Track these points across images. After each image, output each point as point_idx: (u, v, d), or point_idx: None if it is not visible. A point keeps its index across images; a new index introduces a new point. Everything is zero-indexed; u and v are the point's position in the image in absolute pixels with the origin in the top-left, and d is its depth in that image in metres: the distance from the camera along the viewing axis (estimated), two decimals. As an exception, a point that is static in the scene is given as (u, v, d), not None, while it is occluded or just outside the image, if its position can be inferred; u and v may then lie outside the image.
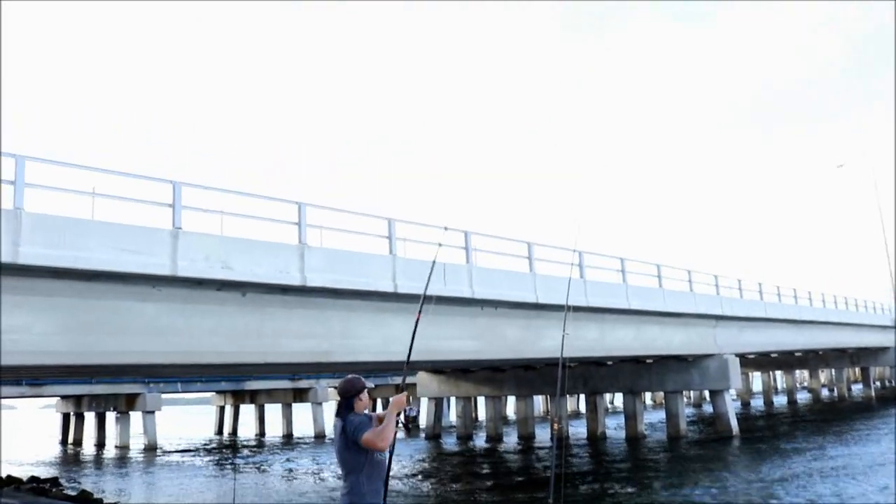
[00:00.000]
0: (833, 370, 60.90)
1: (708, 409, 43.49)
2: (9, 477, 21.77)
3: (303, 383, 45.23)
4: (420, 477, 22.02)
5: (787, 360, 54.45)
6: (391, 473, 5.10)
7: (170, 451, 37.20)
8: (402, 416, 5.06)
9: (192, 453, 35.84)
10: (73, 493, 17.79)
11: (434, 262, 7.06)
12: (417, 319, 5.80)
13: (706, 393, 47.79)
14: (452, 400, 38.71)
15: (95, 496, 17.74)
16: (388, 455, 5.02)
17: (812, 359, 53.95)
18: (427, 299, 6.04)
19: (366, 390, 5.10)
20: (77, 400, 44.58)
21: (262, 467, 27.55)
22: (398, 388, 5.15)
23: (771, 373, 60.20)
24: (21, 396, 40.07)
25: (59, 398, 46.15)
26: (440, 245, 7.84)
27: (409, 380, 44.49)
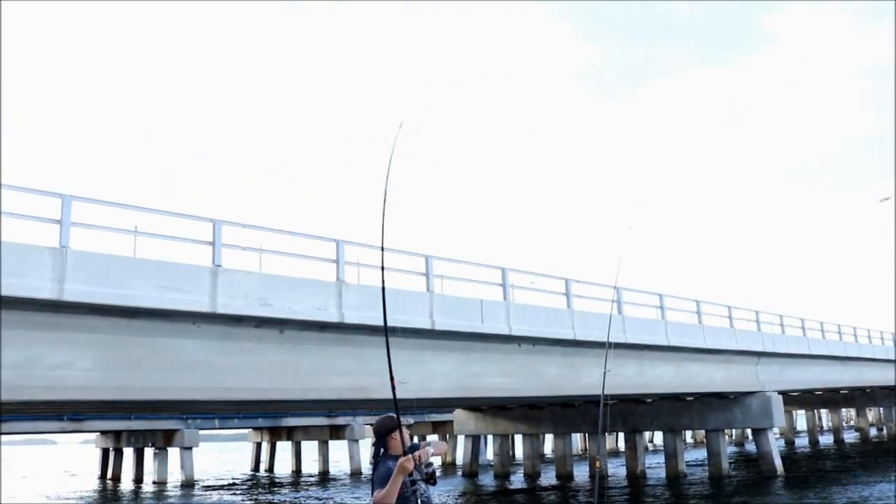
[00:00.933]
0: (881, 408, 59.26)
1: (751, 447, 42.51)
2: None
3: (339, 420, 45.16)
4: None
5: (833, 398, 53.05)
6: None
7: (207, 487, 37.26)
8: (419, 475, 4.86)
9: (230, 489, 35.85)
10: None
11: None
12: (388, 350, 5.48)
13: (749, 431, 46.75)
14: (489, 438, 38.33)
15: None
16: (423, 497, 4.88)
17: (859, 397, 52.49)
18: (393, 330, 5.79)
19: (403, 428, 5.01)
20: (116, 435, 44.93)
21: (299, 505, 27.43)
22: (411, 449, 4.92)
23: (816, 411, 58.70)
24: (62, 431, 40.51)
25: (98, 433, 46.57)
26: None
27: (446, 418, 44.18)
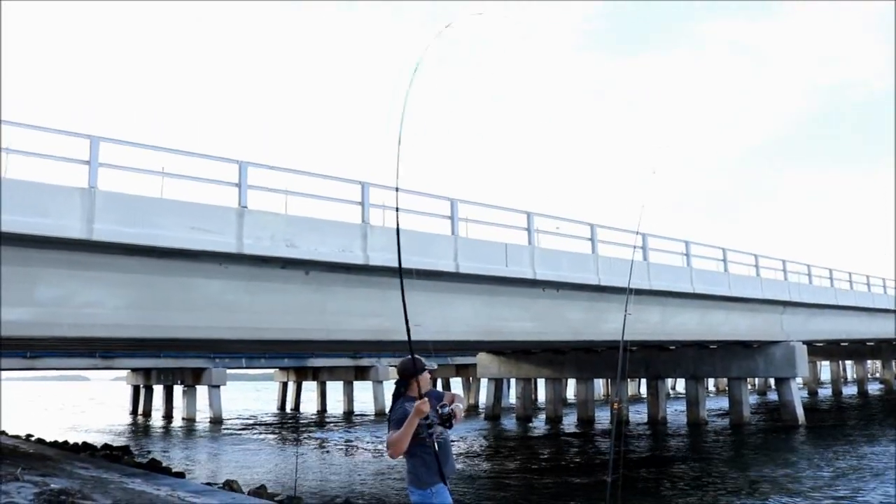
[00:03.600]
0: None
1: (773, 397, 42.58)
2: (84, 443, 22.62)
3: (364, 361, 45.79)
4: (479, 458, 22.14)
5: (858, 350, 52.74)
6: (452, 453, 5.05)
7: (234, 425, 38.14)
8: (435, 417, 4.85)
9: (256, 428, 36.67)
10: (143, 462, 18.39)
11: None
12: (403, 295, 5.45)
13: (771, 381, 46.77)
14: (512, 381, 38.73)
15: (164, 465, 18.31)
16: (440, 438, 4.89)
17: (885, 349, 52.11)
18: (408, 272, 5.67)
19: (425, 371, 5.03)
20: (146, 373, 45.97)
21: (324, 443, 28.04)
22: (423, 396, 4.82)
23: (840, 362, 58.43)
24: (94, 368, 41.49)
25: (129, 371, 47.65)
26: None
27: (469, 361, 44.63)
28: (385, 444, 4.70)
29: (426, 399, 4.75)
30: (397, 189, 5.68)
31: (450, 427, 4.90)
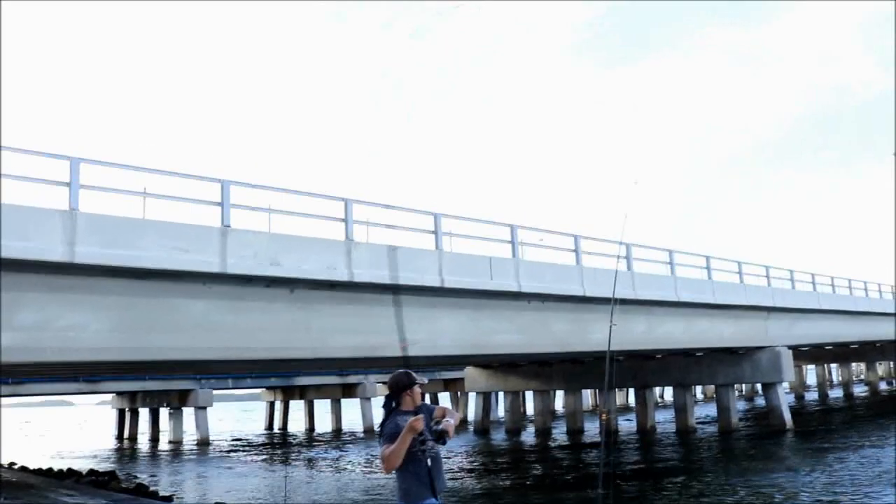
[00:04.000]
0: (892, 363, 59.35)
1: (761, 402, 42.75)
2: (69, 470, 22.34)
3: (351, 378, 45.58)
4: (469, 472, 22.04)
5: (843, 352, 53.10)
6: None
7: (222, 447, 37.82)
8: (428, 434, 4.84)
9: (244, 448, 36.38)
10: (130, 487, 18.18)
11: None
12: (399, 312, 5.62)
13: (758, 386, 46.97)
14: (500, 394, 38.65)
15: (151, 489, 18.10)
16: (432, 453, 4.88)
17: (869, 350, 52.48)
18: (409, 289, 5.77)
19: (415, 385, 5.01)
20: (132, 396, 45.53)
21: (313, 462, 27.85)
22: (417, 411, 4.85)
23: (826, 365, 58.82)
24: (78, 393, 41.06)
25: (114, 394, 47.19)
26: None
27: (457, 375, 44.53)
28: (379, 459, 4.65)
29: (420, 416, 4.73)
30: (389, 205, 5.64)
31: (443, 444, 4.90)
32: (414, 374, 5.02)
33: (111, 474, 21.67)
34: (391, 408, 4.97)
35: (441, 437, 4.84)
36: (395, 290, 14.00)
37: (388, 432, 4.77)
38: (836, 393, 56.07)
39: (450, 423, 4.92)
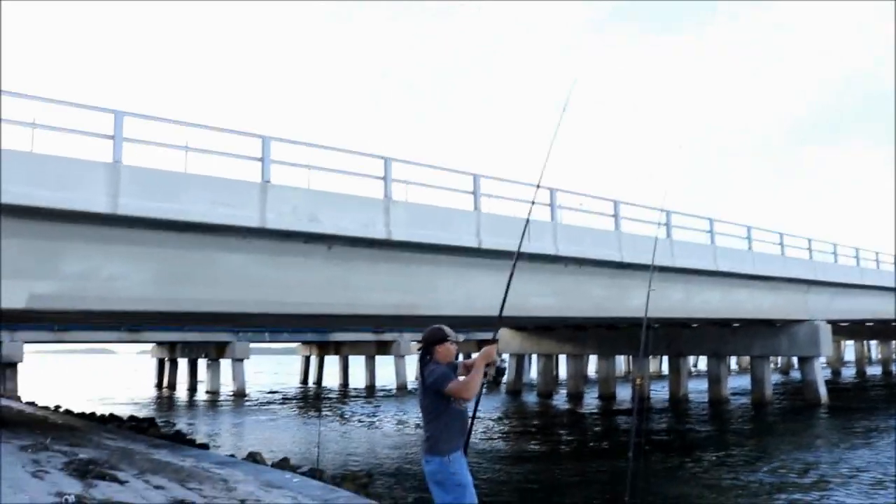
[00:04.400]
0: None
1: (796, 376, 42.34)
2: (111, 415, 22.97)
3: (386, 336, 45.99)
4: (502, 435, 22.23)
5: (884, 330, 52.04)
6: (474, 426, 5.12)
7: (257, 399, 38.54)
8: (491, 368, 5.02)
9: (279, 401, 37.04)
10: (169, 433, 18.64)
11: (528, 220, 6.90)
12: (511, 274, 5.75)
13: (794, 360, 46.44)
14: (534, 357, 38.74)
15: (188, 437, 18.55)
16: (470, 407, 4.99)
17: (911, 328, 51.54)
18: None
19: (449, 340, 5.06)
20: (171, 346, 46.50)
21: (346, 417, 28.27)
22: (490, 341, 5.10)
23: (865, 342, 57.91)
24: (119, 342, 42.06)
25: (154, 344, 48.21)
26: (532, 203, 7.49)
27: (491, 336, 44.63)
28: (455, 391, 4.72)
29: (495, 345, 4.95)
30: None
31: (498, 383, 5.15)
32: (448, 330, 5.08)
33: (150, 420, 22.24)
34: (426, 360, 5.03)
35: (499, 373, 5.13)
36: (434, 249, 14.02)
37: (436, 375, 4.81)
38: (874, 370, 55.26)
39: (505, 361, 5.14)
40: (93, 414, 23.42)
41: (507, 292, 5.53)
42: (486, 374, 4.92)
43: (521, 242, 6.10)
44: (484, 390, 5.13)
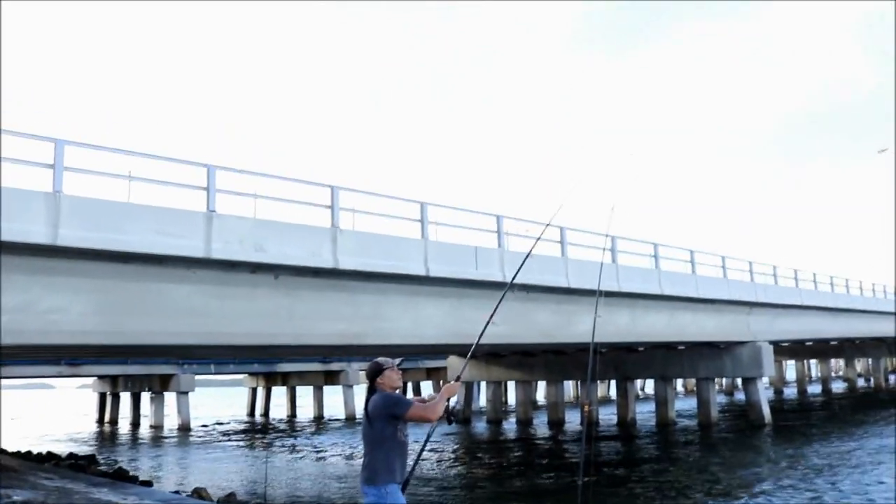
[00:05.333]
0: (870, 360, 59.97)
1: (740, 396, 43.10)
2: (48, 453, 22.26)
3: (334, 366, 45.56)
4: (449, 461, 22.13)
5: (823, 349, 53.64)
6: (423, 458, 5.17)
7: (203, 432, 37.75)
8: (448, 405, 5.14)
9: (225, 434, 36.34)
10: (110, 471, 18.13)
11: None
12: (497, 307, 6.04)
13: (739, 381, 47.29)
14: (483, 384, 38.78)
15: (131, 473, 18.07)
16: (409, 438, 5.05)
17: (848, 348, 53.06)
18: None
19: (390, 368, 5.14)
20: (113, 380, 45.33)
21: (294, 448, 27.86)
22: (456, 379, 5.32)
23: (805, 361, 59.36)
24: (59, 376, 40.81)
25: (95, 378, 46.95)
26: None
27: (440, 364, 44.61)
28: (417, 414, 4.89)
29: (459, 383, 5.29)
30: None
31: (449, 423, 5.26)
32: (382, 359, 5.21)
33: (90, 458, 21.63)
34: (373, 392, 5.11)
35: (452, 414, 5.23)
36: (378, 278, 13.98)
37: (385, 401, 4.93)
38: (814, 388, 56.59)
39: (459, 403, 5.26)
40: (29, 452, 22.68)
41: (487, 325, 5.79)
42: (451, 413, 5.07)
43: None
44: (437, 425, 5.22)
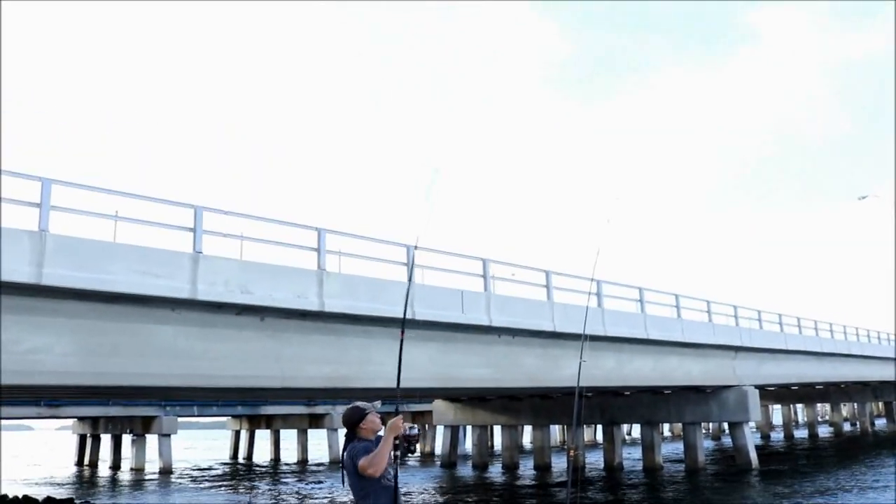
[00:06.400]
0: (855, 404, 59.98)
1: (727, 441, 42.90)
2: (25, 497, 21.82)
3: (319, 409, 45.16)
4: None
5: (808, 393, 53.61)
6: (403, 499, 5.09)
7: (185, 475, 37.16)
8: (400, 440, 4.96)
9: (208, 477, 35.78)
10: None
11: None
12: (402, 340, 5.83)
13: (725, 425, 47.13)
14: (468, 428, 38.48)
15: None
16: (394, 481, 4.96)
17: (834, 392, 53.10)
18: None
19: (370, 415, 5.07)
20: (94, 422, 44.67)
21: (277, 492, 27.44)
22: (396, 414, 5.00)
23: (791, 405, 59.35)
24: (38, 417, 40.20)
25: (75, 419, 46.27)
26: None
27: (425, 408, 44.26)
28: (362, 468, 4.71)
29: (401, 416, 4.90)
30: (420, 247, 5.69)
31: (413, 452, 4.98)
32: (362, 404, 5.13)
33: (68, 502, 21.22)
34: (351, 440, 5.04)
35: (410, 441, 4.96)
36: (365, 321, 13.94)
37: (358, 451, 4.81)
38: (801, 433, 56.46)
39: (415, 428, 5.06)
40: (5, 496, 22.23)
41: (400, 362, 5.64)
42: (396, 447, 4.89)
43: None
44: (408, 459, 5.12)
